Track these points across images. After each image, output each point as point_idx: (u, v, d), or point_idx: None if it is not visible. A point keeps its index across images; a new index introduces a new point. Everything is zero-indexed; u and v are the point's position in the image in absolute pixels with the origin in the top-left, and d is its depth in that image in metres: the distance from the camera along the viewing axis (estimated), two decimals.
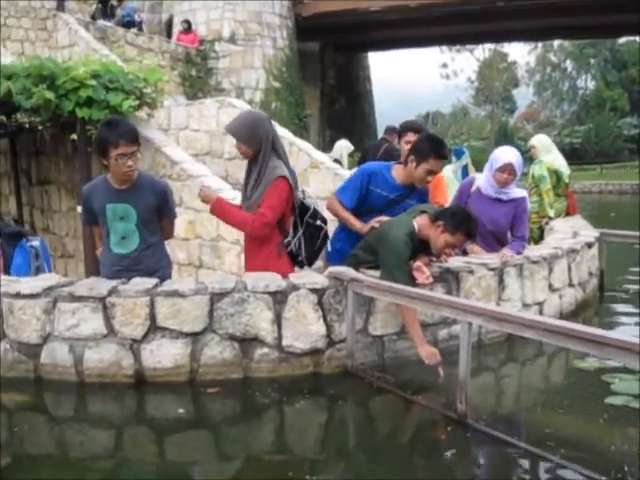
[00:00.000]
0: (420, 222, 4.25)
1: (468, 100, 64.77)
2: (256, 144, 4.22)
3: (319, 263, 4.75)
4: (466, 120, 62.94)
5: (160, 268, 4.36)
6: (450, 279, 4.61)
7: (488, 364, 4.64)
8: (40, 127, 7.49)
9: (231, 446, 3.54)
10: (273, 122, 4.53)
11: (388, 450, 3.47)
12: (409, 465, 3.28)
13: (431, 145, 4.47)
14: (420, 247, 4.27)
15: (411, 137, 5.13)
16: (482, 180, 5.33)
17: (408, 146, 4.86)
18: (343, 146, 12.06)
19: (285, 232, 4.32)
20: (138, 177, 4.20)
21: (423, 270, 4.24)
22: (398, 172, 4.62)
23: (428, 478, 3.16)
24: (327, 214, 4.68)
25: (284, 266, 4.36)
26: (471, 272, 4.69)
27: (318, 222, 4.44)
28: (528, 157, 8.21)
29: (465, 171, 10.53)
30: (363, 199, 4.60)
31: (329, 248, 4.63)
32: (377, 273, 4.25)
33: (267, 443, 3.55)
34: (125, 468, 3.36)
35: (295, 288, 4.13)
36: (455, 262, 4.72)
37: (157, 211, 4.27)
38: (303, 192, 4.50)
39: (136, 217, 4.19)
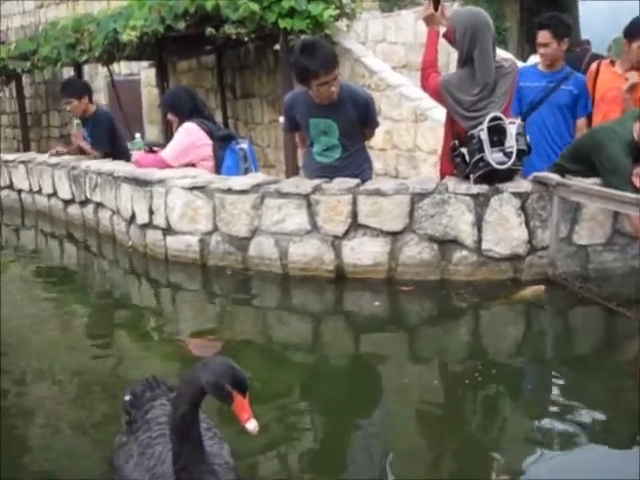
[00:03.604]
0: None
1: None
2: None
3: None
4: None
5: (361, 172, 4.40)
6: None
7: None
8: (246, 39, 7.76)
9: (424, 346, 3.61)
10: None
11: (590, 358, 3.38)
12: (613, 376, 3.15)
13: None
14: None
15: None
16: None
17: None
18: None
19: (459, 140, 4.10)
20: (339, 91, 4.17)
21: None
22: (541, 63, 4.78)
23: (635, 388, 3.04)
24: None
25: (449, 170, 4.26)
26: None
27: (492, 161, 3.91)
28: None
29: None
30: (519, 99, 4.60)
31: None
32: (585, 180, 4.03)
33: (461, 345, 3.57)
34: (321, 356, 3.54)
35: (498, 191, 4.02)
36: None
37: (359, 121, 4.27)
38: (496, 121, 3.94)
39: (338, 132, 4.22)
